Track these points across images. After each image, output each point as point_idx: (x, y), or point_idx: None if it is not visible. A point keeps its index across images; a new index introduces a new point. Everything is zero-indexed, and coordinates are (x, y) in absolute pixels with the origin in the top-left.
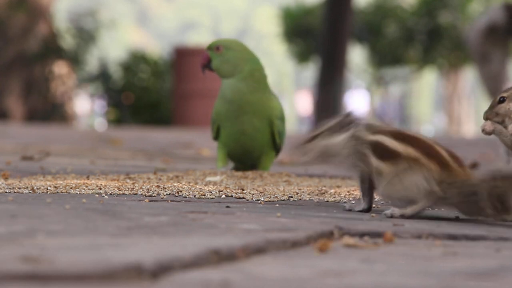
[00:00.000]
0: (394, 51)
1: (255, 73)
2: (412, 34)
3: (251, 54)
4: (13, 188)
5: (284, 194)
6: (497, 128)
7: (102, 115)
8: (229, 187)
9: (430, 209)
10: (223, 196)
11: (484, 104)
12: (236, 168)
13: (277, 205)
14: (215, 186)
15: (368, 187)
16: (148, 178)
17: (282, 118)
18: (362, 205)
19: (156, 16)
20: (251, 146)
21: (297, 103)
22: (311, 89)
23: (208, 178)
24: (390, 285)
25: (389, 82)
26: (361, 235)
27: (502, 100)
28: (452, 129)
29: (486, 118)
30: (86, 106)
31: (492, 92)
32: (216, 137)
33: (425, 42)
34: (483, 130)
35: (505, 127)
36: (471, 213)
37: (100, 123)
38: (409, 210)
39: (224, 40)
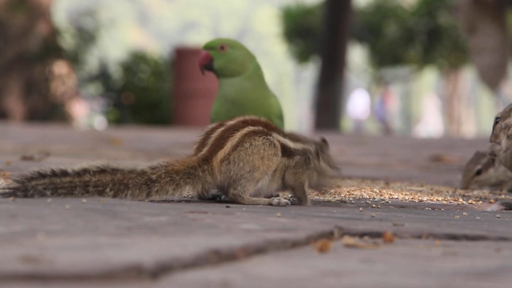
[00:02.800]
0: (394, 51)
1: (257, 71)
2: (412, 34)
3: (250, 51)
4: None
5: (284, 194)
6: (496, 148)
7: (102, 115)
8: None
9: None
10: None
11: (484, 104)
12: None
13: None
14: None
15: None
16: None
17: (280, 117)
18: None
19: (156, 16)
20: None
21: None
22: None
23: None
24: (390, 285)
25: (389, 82)
26: (361, 235)
27: (497, 121)
28: (452, 129)
29: (490, 141)
30: (86, 106)
31: (482, 71)
32: None
33: (425, 42)
34: (488, 154)
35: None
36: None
37: (100, 123)
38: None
39: (225, 40)
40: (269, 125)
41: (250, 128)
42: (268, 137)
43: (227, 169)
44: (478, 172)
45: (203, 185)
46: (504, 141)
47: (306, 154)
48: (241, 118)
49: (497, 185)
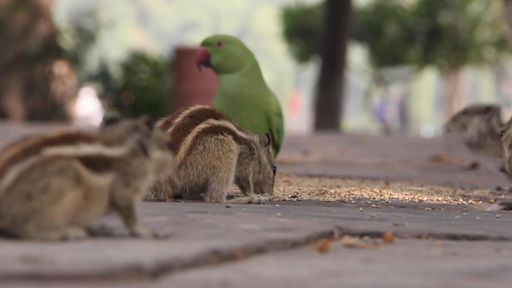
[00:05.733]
0: (394, 51)
1: (255, 68)
2: (412, 34)
3: (248, 48)
4: None
5: (284, 194)
6: (503, 163)
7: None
8: None
9: None
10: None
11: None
12: None
13: (277, 205)
14: None
15: None
16: None
17: (280, 115)
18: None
19: (156, 16)
20: None
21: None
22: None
23: None
24: (390, 285)
25: (389, 82)
26: (361, 235)
27: (501, 134)
28: None
29: (499, 156)
30: (87, 106)
31: None
32: None
33: (425, 42)
34: (500, 170)
35: None
36: None
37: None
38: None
39: (222, 36)
40: (216, 113)
41: (200, 126)
42: (219, 135)
43: (185, 174)
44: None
45: (164, 192)
46: (507, 152)
47: (250, 143)
48: (187, 112)
49: None
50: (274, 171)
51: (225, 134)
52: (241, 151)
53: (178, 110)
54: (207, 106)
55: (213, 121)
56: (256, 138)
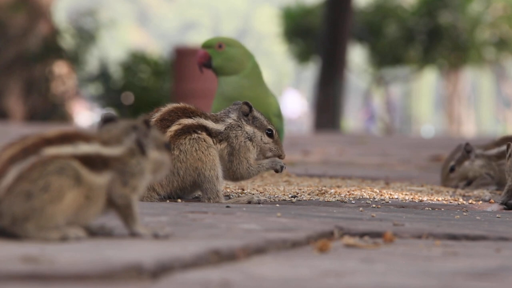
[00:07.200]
0: (394, 51)
1: (256, 70)
2: (412, 34)
3: (248, 50)
4: None
5: (284, 194)
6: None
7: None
8: (229, 187)
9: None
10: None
11: (484, 104)
12: None
13: (277, 205)
14: None
15: None
16: None
17: (279, 115)
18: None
19: (156, 16)
20: None
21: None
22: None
23: None
24: (390, 285)
25: (389, 82)
26: (361, 235)
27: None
28: (452, 129)
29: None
30: (86, 105)
31: None
32: None
33: (425, 42)
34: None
35: None
36: None
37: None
38: None
39: (223, 38)
40: (188, 110)
41: (172, 129)
42: (193, 134)
43: (168, 182)
44: (451, 169)
45: (150, 199)
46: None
47: (229, 134)
48: (157, 115)
49: (475, 179)
50: (270, 134)
51: (199, 131)
52: (225, 151)
53: (150, 112)
54: (180, 104)
55: (185, 121)
56: (233, 120)
